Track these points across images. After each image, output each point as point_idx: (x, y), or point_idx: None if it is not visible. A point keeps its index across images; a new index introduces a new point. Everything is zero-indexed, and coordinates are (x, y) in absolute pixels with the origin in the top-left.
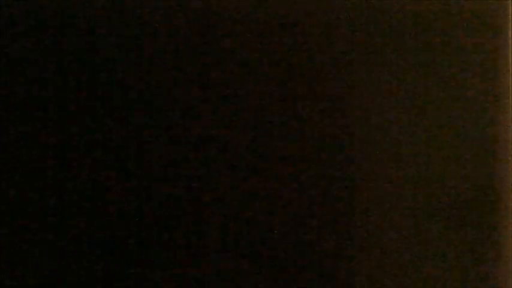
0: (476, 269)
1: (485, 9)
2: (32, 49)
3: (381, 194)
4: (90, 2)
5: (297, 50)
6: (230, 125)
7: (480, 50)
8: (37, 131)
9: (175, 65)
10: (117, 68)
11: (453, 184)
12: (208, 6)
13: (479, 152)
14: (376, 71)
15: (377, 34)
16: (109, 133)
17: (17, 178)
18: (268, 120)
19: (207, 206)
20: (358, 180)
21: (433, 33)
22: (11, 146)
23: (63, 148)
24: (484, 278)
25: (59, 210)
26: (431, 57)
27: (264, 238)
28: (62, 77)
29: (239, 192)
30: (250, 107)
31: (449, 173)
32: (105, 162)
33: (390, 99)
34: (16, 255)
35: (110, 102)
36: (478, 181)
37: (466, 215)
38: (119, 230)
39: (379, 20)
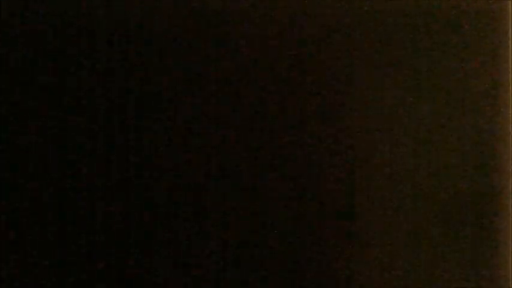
0: (476, 269)
1: (485, 9)
2: (32, 49)
3: (380, 193)
4: (90, 2)
5: (297, 50)
6: (230, 124)
7: (480, 50)
8: (37, 131)
9: (174, 64)
10: (116, 67)
11: (453, 184)
12: (208, 6)
13: (479, 152)
14: (376, 70)
15: (376, 34)
16: (109, 133)
17: (17, 178)
18: (268, 120)
19: (207, 206)
20: (358, 179)
21: (432, 33)
22: (11, 146)
23: (63, 148)
24: (484, 278)
25: (59, 210)
26: (431, 57)
27: (264, 238)
28: (61, 76)
29: (239, 192)
30: (250, 106)
31: (449, 172)
32: (105, 162)
33: (390, 99)
34: (16, 255)
35: (109, 101)
36: (478, 181)
37: (466, 215)
38: (118, 230)
39: (379, 20)
